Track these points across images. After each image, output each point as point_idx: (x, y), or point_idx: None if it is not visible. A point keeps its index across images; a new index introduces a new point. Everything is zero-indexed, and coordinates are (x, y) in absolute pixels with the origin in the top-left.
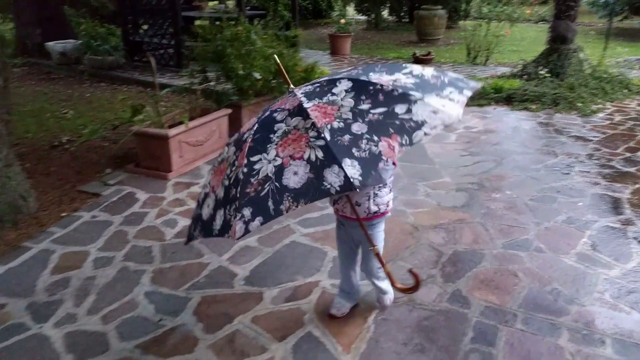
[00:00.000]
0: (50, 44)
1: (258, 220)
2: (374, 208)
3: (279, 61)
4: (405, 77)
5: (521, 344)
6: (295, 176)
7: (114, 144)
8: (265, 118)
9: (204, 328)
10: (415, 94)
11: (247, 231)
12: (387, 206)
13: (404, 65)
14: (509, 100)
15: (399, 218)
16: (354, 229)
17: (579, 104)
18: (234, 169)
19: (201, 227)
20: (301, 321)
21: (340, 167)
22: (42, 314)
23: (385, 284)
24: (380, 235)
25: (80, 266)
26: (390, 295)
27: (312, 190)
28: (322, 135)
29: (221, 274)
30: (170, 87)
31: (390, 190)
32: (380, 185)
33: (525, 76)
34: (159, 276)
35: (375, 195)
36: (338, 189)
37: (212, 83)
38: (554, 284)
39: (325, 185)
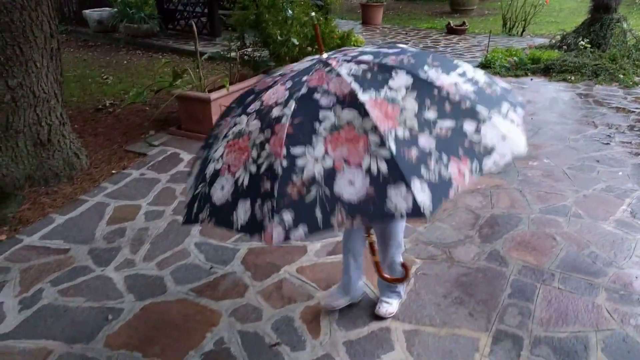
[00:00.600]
0: (87, 11)
1: (302, 229)
2: None
3: (317, 23)
4: (462, 81)
5: (558, 301)
6: (351, 187)
7: (155, 108)
8: (304, 97)
9: (253, 276)
10: (483, 112)
11: (287, 239)
12: None
13: (454, 61)
14: (546, 71)
15: None
16: None
17: (621, 76)
18: (264, 153)
19: (212, 211)
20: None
21: (409, 188)
22: (103, 258)
23: (392, 291)
24: (398, 228)
25: (134, 218)
26: (389, 307)
27: (373, 209)
28: (387, 144)
29: None
30: (206, 53)
31: None
32: None
33: (564, 47)
34: (207, 229)
35: None
36: (404, 213)
37: (249, 49)
38: (591, 247)
39: (389, 207)
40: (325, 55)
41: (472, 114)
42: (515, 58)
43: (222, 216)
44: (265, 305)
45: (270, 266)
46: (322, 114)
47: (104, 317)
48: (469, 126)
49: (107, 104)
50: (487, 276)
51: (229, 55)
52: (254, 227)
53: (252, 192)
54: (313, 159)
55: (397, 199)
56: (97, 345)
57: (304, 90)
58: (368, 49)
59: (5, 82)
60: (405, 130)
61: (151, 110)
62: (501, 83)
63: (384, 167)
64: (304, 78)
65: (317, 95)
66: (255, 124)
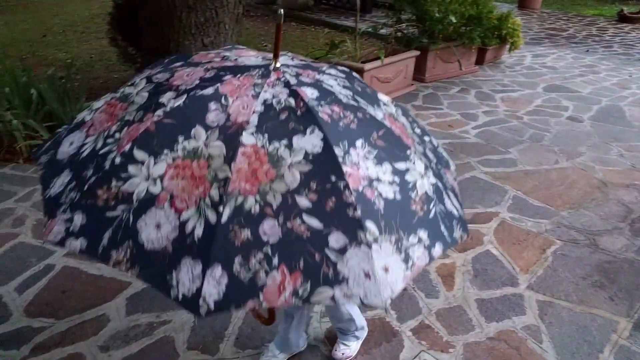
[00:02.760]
0: None
1: (80, 241)
2: None
3: (281, 21)
4: (389, 180)
5: None
6: (155, 231)
7: None
8: (201, 98)
9: None
10: (370, 231)
11: (61, 242)
12: None
13: (408, 151)
14: None
15: (586, 172)
16: None
17: None
18: (116, 135)
19: (50, 160)
20: (481, 240)
21: (204, 272)
22: None
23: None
24: (344, 311)
25: None
26: (347, 350)
27: (156, 271)
28: (221, 209)
29: None
30: (361, 28)
31: None
32: None
33: None
34: None
35: None
36: (180, 297)
37: (403, 25)
38: None
39: (171, 281)
40: (278, 63)
41: (352, 228)
42: None
43: (52, 168)
44: None
45: None
46: (197, 130)
47: None
48: (335, 239)
49: None
50: (634, 267)
51: (379, 32)
52: (48, 207)
53: (80, 166)
54: (145, 175)
55: (185, 275)
56: None
57: (210, 90)
58: (333, 81)
59: (201, 40)
60: (258, 204)
61: None
62: (449, 205)
63: (198, 232)
64: (227, 77)
65: (213, 105)
66: (143, 96)
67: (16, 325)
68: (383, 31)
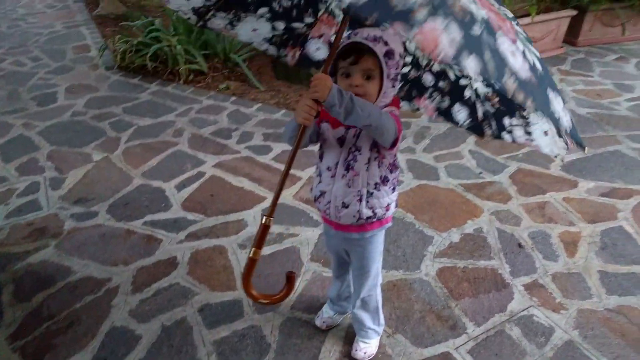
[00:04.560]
0: None
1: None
2: (366, 212)
3: None
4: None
5: None
6: (514, 59)
7: None
8: None
9: (518, 191)
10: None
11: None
12: (386, 211)
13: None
14: None
15: None
16: (340, 241)
17: None
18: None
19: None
20: (614, 216)
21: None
22: None
23: (373, 328)
24: (375, 253)
25: (419, 117)
26: (367, 348)
27: (539, 101)
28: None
29: (538, 156)
30: None
31: (394, 189)
32: (378, 181)
33: None
34: (481, 142)
35: (370, 194)
36: (568, 131)
37: None
38: None
39: (554, 111)
40: None
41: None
42: None
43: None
44: (525, 217)
45: (536, 188)
46: None
47: None
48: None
49: None
50: None
51: None
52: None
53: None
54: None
55: (558, 106)
56: None
57: None
58: None
59: None
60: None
61: None
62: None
63: (540, 65)
64: None
65: None
66: None
67: (175, 215)
68: None
